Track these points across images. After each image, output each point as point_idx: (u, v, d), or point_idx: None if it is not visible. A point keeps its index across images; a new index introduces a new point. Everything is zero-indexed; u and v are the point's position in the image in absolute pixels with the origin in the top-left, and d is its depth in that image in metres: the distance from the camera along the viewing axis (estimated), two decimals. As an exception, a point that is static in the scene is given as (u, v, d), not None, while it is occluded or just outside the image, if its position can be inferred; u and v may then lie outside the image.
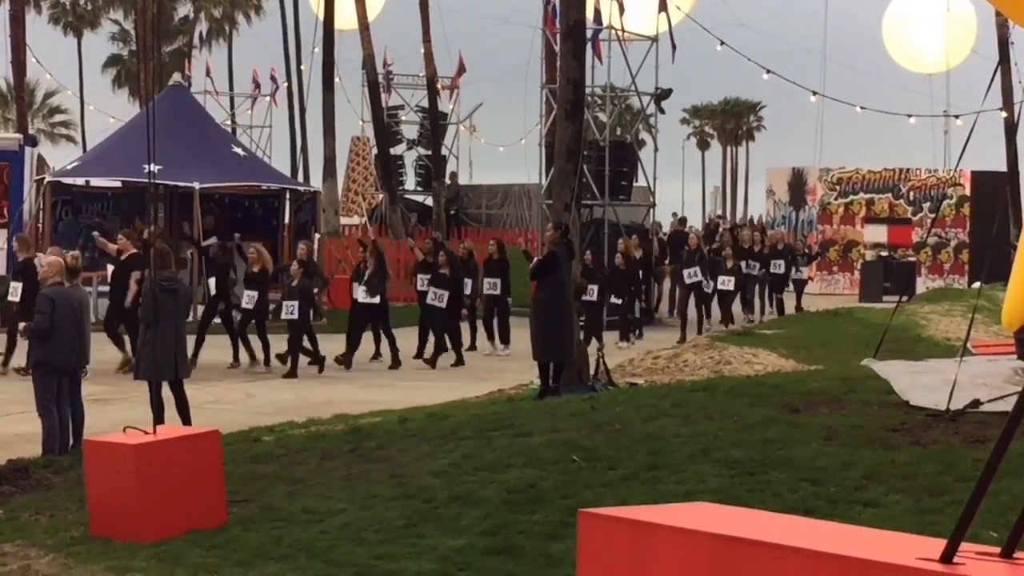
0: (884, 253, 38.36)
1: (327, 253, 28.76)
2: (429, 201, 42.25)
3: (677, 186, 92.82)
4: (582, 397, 13.75)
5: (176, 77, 31.07)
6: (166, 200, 28.60)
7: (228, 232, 26.07)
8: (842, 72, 46.79)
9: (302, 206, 29.76)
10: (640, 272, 26.31)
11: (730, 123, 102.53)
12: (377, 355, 21.32)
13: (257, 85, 47.95)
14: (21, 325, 18.18)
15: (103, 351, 19.91)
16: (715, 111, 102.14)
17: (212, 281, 20.93)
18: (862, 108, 33.43)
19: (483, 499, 9.15)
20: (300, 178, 48.84)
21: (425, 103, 42.59)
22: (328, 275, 27.42)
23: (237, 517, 9.33)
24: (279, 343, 20.09)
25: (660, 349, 21.19)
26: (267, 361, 20.25)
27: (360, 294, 20.79)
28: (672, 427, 10.85)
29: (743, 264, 27.67)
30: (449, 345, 21.33)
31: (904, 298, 26.16)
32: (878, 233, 39.43)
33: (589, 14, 22.85)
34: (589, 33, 22.98)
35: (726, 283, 26.50)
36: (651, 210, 31.45)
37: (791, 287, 30.03)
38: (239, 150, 29.51)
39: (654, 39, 29.28)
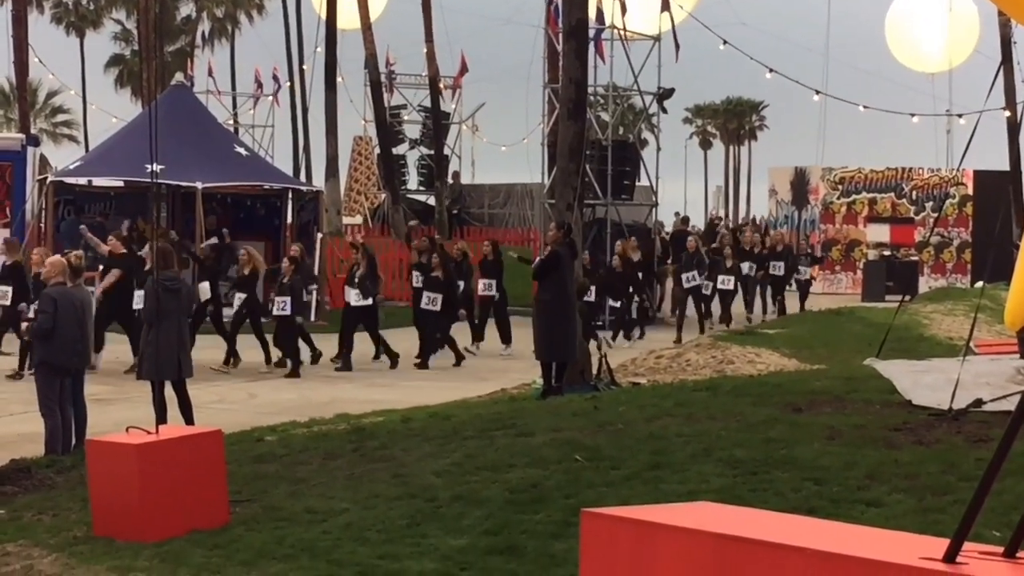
0: (887, 252, 38.34)
1: (329, 253, 28.76)
2: (431, 201, 42.26)
3: (679, 186, 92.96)
4: (585, 397, 13.74)
5: (178, 77, 31.12)
6: (168, 200, 28.62)
7: (227, 231, 26.05)
8: (845, 71, 46.78)
9: (304, 206, 29.77)
10: (639, 273, 26.30)
11: (732, 122, 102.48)
12: (378, 355, 21.34)
13: (259, 85, 47.95)
14: (23, 325, 18.23)
15: (105, 351, 19.97)
16: (717, 110, 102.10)
17: (206, 285, 20.69)
18: (865, 107, 33.41)
19: (486, 499, 9.15)
20: (302, 178, 48.82)
21: (427, 103, 42.61)
22: (331, 275, 27.46)
23: (240, 517, 9.33)
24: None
25: (663, 349, 21.20)
26: (268, 360, 20.28)
27: (353, 297, 20.77)
28: (675, 427, 10.85)
29: (744, 266, 27.68)
30: (446, 345, 21.37)
31: (907, 297, 26.17)
32: (881, 232, 39.42)
33: (591, 13, 22.84)
34: (591, 32, 22.99)
35: (725, 282, 26.57)
36: (653, 210, 31.46)
37: (793, 286, 30.01)
38: (241, 150, 29.53)
39: (656, 38, 29.28)
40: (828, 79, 37.63)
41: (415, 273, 22.49)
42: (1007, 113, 32.19)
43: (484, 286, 23.33)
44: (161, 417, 12.20)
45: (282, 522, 9.12)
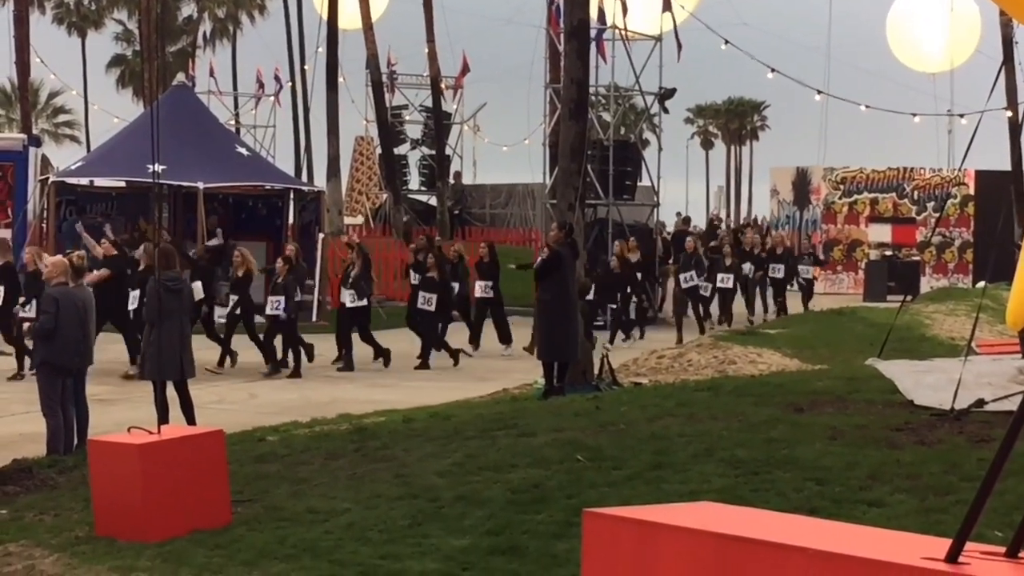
0: (888, 252, 38.32)
1: (331, 253, 28.76)
2: (433, 201, 42.29)
3: (681, 186, 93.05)
4: (586, 397, 13.75)
5: (180, 77, 31.10)
6: (170, 200, 28.59)
7: (229, 231, 26.07)
8: (846, 71, 46.74)
9: (306, 206, 29.77)
10: (638, 274, 26.29)
11: (734, 122, 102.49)
12: (377, 356, 21.32)
13: (261, 85, 48.03)
14: (25, 325, 18.23)
15: (106, 351, 19.96)
16: (719, 110, 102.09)
17: (198, 285, 20.63)
18: (866, 107, 33.43)
19: (487, 499, 9.15)
20: (304, 178, 48.81)
21: (429, 103, 42.66)
22: (332, 275, 27.43)
23: (241, 517, 9.33)
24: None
25: (664, 349, 21.20)
26: (267, 360, 20.25)
27: (347, 298, 20.71)
28: (676, 427, 10.85)
29: (744, 266, 27.68)
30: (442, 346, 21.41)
31: (908, 297, 26.17)
32: (882, 232, 39.41)
33: (593, 14, 22.83)
34: (593, 33, 22.98)
35: (725, 281, 26.61)
36: (655, 210, 31.46)
37: (794, 286, 29.98)
38: (243, 150, 29.53)
39: (658, 38, 29.27)
40: (830, 79, 37.53)
41: (412, 272, 22.51)
42: (1008, 113, 32.22)
43: (480, 288, 23.32)
44: (163, 417, 12.20)
45: (284, 522, 9.12)
